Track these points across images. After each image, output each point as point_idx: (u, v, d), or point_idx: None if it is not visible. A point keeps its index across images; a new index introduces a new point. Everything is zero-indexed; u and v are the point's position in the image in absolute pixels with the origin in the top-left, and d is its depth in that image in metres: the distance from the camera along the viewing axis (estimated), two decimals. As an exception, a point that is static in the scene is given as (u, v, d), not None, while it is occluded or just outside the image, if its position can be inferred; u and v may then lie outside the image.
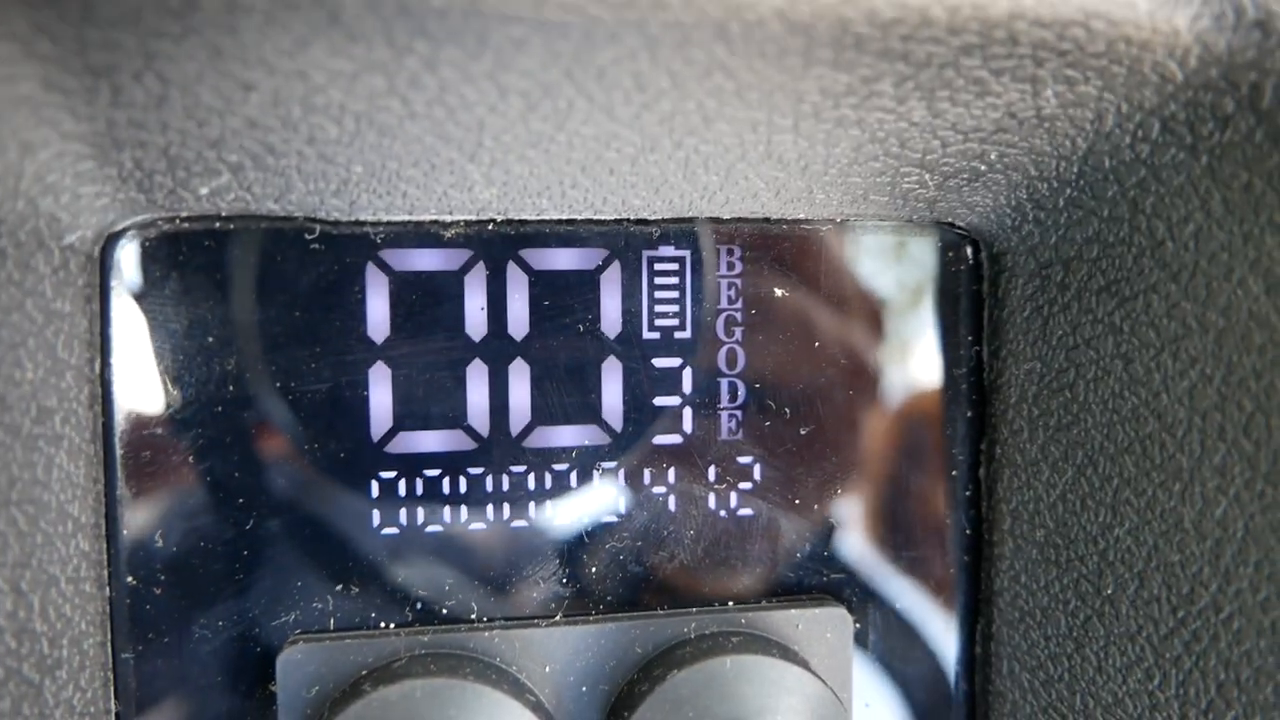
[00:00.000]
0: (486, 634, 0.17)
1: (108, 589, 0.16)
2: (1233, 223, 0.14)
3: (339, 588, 0.17)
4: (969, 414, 0.19)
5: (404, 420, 0.17)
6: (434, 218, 0.17)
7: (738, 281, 0.18)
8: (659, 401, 0.18)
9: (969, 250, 0.18)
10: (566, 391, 0.18)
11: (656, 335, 0.18)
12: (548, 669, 0.17)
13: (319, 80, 0.13)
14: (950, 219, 0.18)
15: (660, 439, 0.18)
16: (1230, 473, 0.15)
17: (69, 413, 0.15)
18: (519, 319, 0.18)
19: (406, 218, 0.16)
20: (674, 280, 0.18)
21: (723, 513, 0.18)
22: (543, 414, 0.18)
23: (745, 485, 0.18)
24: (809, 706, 0.17)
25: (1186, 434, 0.15)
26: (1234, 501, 0.15)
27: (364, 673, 0.16)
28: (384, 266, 0.17)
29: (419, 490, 0.17)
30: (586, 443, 0.18)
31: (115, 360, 0.16)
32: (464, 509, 0.18)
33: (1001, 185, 0.17)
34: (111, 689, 0.16)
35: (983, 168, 0.16)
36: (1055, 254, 0.17)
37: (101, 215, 0.15)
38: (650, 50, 0.13)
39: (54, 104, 0.13)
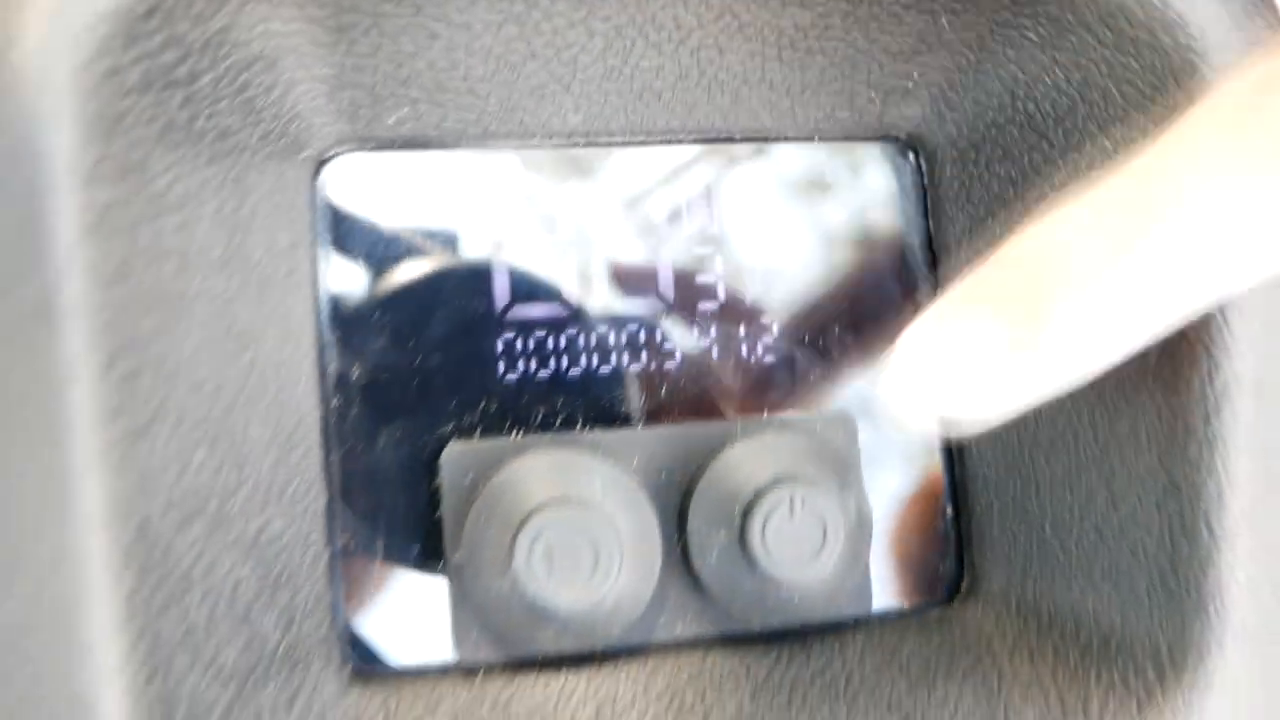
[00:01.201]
0: (590, 434, 0.23)
1: (319, 408, 0.22)
2: (1071, 87, 0.22)
3: (481, 408, 0.23)
4: (926, 271, 0.25)
5: (517, 295, 0.24)
6: (538, 143, 0.24)
7: (751, 194, 0.25)
8: (700, 279, 0.25)
9: (910, 155, 0.26)
10: (630, 271, 0.25)
11: (696, 229, 0.25)
12: (635, 460, 0.23)
13: (477, 29, 0.20)
14: (895, 133, 0.25)
15: (703, 305, 0.25)
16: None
17: (300, 276, 0.22)
18: (592, 230, 0.25)
19: (520, 142, 0.24)
20: (703, 190, 0.25)
21: (753, 359, 0.25)
22: (618, 289, 0.24)
23: (767, 339, 0.25)
24: (831, 468, 0.23)
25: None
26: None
27: (506, 459, 0.22)
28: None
29: (531, 346, 0.24)
30: (650, 310, 0.25)
31: (321, 251, 0.23)
32: (565, 358, 0.24)
33: (925, 99, 0.24)
34: (323, 480, 0.22)
35: (910, 85, 0.24)
36: (968, 142, 0.24)
37: (320, 142, 0.22)
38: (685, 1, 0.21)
39: (308, 52, 0.20)
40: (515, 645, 0.22)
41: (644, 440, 0.23)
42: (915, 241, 0.26)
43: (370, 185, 0.23)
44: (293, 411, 0.21)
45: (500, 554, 0.21)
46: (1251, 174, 0.16)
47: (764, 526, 0.21)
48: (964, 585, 0.25)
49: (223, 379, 0.19)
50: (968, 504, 0.25)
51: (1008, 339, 0.17)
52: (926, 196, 0.26)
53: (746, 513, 0.22)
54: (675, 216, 0.25)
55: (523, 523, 0.20)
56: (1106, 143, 0.21)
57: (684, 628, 0.23)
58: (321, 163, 0.23)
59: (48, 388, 0.16)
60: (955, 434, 0.25)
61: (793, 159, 0.25)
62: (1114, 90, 0.21)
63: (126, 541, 0.16)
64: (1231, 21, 0.20)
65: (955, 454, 0.25)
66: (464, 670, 0.22)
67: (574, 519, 0.21)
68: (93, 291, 0.16)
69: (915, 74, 0.23)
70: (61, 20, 0.16)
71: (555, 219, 0.24)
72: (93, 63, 0.16)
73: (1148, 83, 0.20)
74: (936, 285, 0.25)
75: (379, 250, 0.23)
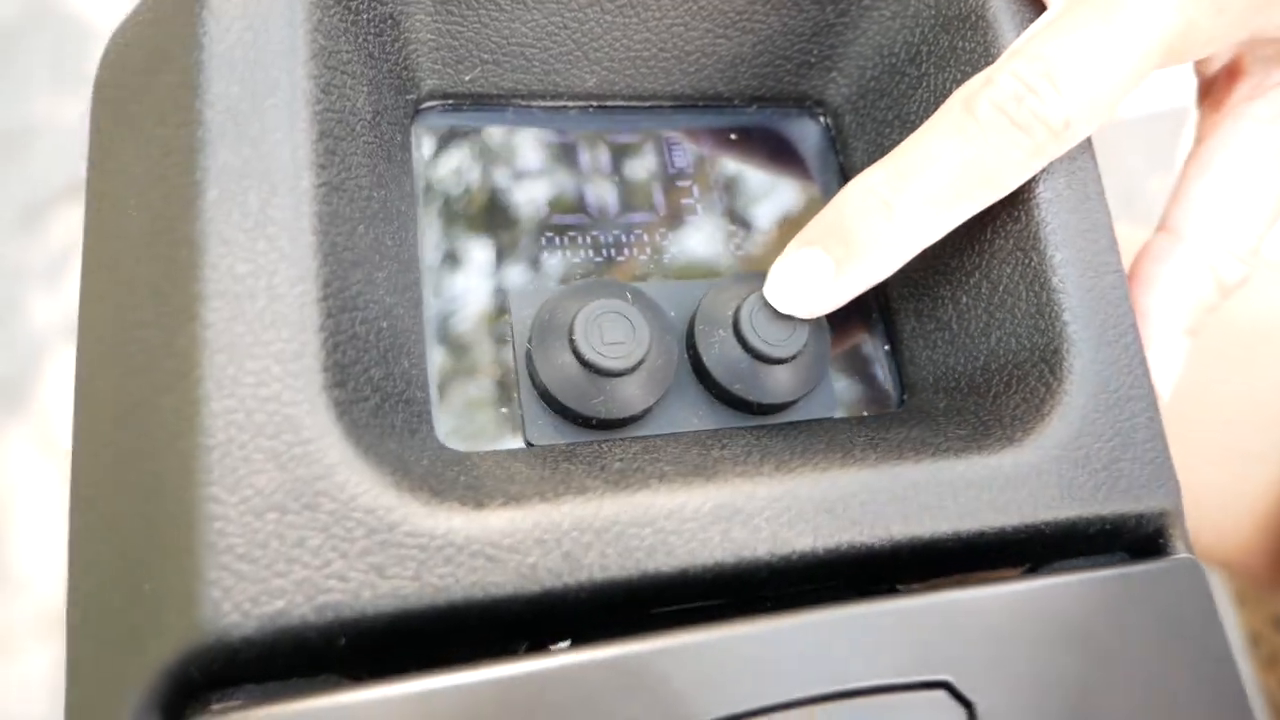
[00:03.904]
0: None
1: (419, 258, 0.30)
2: (915, 38, 0.33)
3: (531, 281, 0.31)
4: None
5: (555, 208, 0.33)
6: (565, 103, 0.34)
7: (712, 144, 0.36)
8: (683, 200, 0.34)
9: (821, 115, 0.36)
10: (632, 193, 0.34)
11: (677, 171, 0.35)
12: (648, 292, 0.31)
13: (529, 3, 0.31)
14: (808, 99, 0.36)
15: (688, 218, 0.34)
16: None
17: (407, 167, 0.31)
18: (605, 166, 0.34)
19: (552, 103, 0.34)
20: (684, 143, 0.35)
21: (727, 246, 0.34)
22: (622, 207, 0.34)
23: (739, 234, 0.34)
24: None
25: (929, 123, 0.32)
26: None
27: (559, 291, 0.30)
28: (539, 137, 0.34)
29: (565, 241, 0.33)
30: (648, 219, 0.34)
31: (416, 155, 0.32)
32: (590, 251, 0.33)
33: (825, 69, 0.35)
34: (423, 304, 0.30)
35: (813, 60, 0.35)
36: (862, 100, 0.35)
37: (419, 89, 0.32)
38: (661, -12, 0.32)
39: (418, 19, 0.30)
40: (571, 419, 0.29)
41: (655, 290, 0.32)
42: (831, 175, 0.36)
43: (447, 135, 0.33)
44: (407, 245, 0.29)
45: (562, 334, 0.28)
46: (954, 179, 0.27)
47: (751, 317, 0.29)
48: (905, 396, 0.33)
49: (369, 198, 0.27)
50: (897, 332, 0.33)
51: (833, 266, 0.28)
52: (836, 143, 0.36)
53: (738, 310, 0.30)
54: (665, 159, 0.35)
55: (579, 310, 0.28)
56: (938, 68, 0.32)
57: (699, 422, 0.30)
58: (418, 110, 0.32)
59: (293, 141, 0.24)
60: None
61: (738, 118, 0.36)
62: (939, 33, 0.32)
63: (325, 249, 0.24)
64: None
65: (880, 299, 0.34)
66: (530, 446, 0.29)
67: (616, 307, 0.28)
68: (313, 90, 0.25)
69: (815, 50, 0.35)
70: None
71: (578, 161, 0.34)
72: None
73: (954, 26, 0.32)
74: (851, 197, 0.35)
75: (456, 183, 0.32)
